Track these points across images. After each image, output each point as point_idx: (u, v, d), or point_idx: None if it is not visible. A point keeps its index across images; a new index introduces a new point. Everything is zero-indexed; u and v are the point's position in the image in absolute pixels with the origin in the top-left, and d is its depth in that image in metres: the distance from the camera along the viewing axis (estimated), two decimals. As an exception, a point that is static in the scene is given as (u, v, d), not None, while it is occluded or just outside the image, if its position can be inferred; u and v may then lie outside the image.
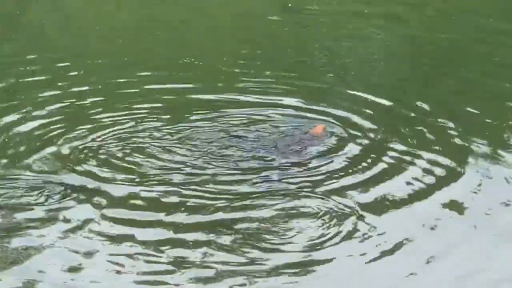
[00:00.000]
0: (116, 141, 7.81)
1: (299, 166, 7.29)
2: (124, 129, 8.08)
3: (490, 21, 12.40)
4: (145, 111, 8.59)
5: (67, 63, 10.38)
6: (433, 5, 13.53)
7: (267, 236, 6.19)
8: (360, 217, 6.43)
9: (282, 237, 6.19)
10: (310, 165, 7.31)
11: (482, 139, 7.79)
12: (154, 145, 7.70)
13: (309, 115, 8.50)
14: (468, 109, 8.59)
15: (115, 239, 6.18)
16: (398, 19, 12.80)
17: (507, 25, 12.05)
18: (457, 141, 7.82)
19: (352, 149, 7.64)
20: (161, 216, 6.50)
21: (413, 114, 8.47)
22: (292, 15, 13.04)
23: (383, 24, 12.38)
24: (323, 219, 6.38)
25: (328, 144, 7.73)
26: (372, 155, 7.48)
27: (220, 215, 6.50)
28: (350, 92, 9.17)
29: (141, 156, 7.46)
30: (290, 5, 13.45)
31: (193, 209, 6.60)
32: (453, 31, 11.89)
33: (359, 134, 7.98)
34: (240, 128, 8.10)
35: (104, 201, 6.68)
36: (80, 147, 7.68)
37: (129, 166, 7.30)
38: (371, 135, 7.98)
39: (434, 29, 12.09)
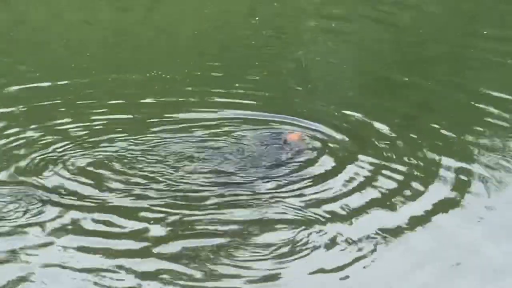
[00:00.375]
0: (81, 152, 7.72)
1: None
2: (90, 141, 8.00)
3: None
4: (113, 123, 8.49)
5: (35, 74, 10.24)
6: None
7: (238, 250, 6.16)
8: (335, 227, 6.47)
9: (254, 250, 6.15)
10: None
11: (449, 153, 7.81)
12: (122, 158, 7.62)
13: (276, 125, 8.47)
14: (433, 124, 8.56)
15: (82, 252, 6.14)
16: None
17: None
18: (428, 152, 7.85)
19: (326, 160, 7.64)
20: (130, 229, 6.45)
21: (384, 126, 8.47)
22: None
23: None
24: (295, 230, 6.38)
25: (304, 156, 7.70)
26: (347, 166, 7.49)
27: (189, 229, 6.47)
28: (320, 103, 9.17)
29: (109, 170, 7.39)
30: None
31: (163, 222, 6.55)
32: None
33: (332, 145, 7.99)
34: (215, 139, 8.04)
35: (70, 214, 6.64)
36: (40, 158, 7.59)
37: (95, 178, 7.24)
38: (342, 146, 8.01)
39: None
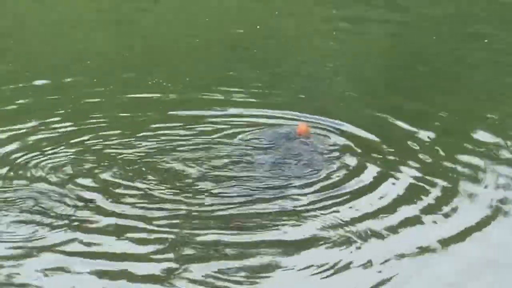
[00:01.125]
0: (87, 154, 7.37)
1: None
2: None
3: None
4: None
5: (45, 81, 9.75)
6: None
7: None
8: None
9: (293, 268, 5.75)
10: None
11: (491, 158, 7.42)
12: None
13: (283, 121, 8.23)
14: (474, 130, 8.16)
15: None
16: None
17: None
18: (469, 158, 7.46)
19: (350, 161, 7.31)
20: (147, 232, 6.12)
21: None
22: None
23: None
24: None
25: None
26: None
27: (221, 249, 6.00)
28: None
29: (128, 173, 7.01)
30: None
31: (193, 239, 6.09)
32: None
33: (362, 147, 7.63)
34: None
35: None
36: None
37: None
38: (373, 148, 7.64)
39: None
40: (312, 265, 5.75)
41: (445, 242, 6.07)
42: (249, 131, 7.94)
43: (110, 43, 11.57)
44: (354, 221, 6.30)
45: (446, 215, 6.43)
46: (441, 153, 7.47)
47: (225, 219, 6.30)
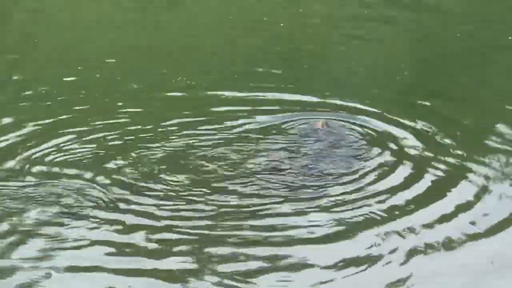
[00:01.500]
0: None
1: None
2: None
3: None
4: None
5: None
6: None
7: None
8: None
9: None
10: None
11: None
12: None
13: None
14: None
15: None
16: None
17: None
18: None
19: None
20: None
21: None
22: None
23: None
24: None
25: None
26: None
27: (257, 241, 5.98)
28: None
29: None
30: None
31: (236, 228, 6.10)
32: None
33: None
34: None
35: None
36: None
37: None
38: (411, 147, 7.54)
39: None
40: (345, 261, 5.68)
41: (476, 237, 6.00)
42: (278, 127, 7.93)
43: (138, 40, 11.58)
44: (388, 217, 6.22)
45: (483, 213, 6.32)
46: (476, 149, 7.40)
47: (255, 216, 6.22)
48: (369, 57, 10.58)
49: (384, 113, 8.18)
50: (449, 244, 5.88)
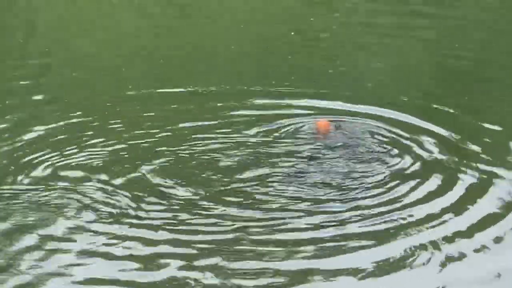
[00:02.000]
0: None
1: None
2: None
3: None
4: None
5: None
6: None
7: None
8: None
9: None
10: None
11: None
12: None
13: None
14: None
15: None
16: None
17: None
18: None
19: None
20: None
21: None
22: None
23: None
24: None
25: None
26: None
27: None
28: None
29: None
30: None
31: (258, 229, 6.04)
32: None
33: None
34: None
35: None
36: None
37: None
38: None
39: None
40: (380, 269, 5.59)
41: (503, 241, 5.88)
42: (301, 130, 7.89)
43: (162, 41, 11.74)
44: (423, 226, 6.10)
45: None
46: (504, 156, 7.27)
47: (282, 230, 6.11)
48: (393, 63, 10.54)
49: (410, 120, 8.13)
50: (484, 252, 5.77)
